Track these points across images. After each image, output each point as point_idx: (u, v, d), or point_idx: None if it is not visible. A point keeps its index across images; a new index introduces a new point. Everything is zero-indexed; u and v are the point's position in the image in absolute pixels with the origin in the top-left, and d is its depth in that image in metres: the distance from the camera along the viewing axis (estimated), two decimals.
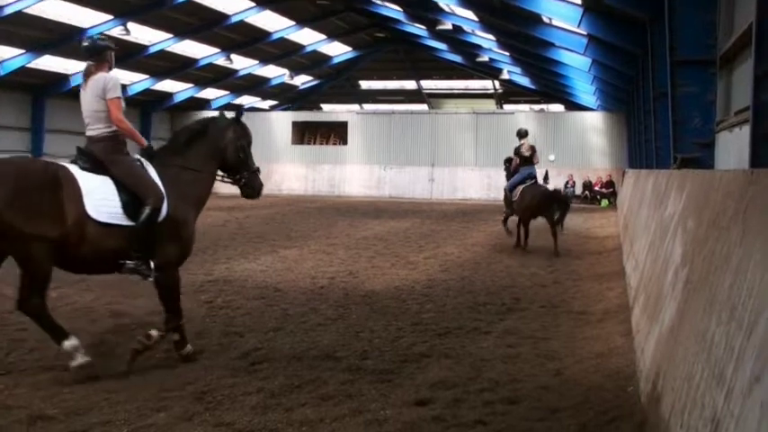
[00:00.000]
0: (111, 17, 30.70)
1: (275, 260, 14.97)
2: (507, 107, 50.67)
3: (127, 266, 6.91)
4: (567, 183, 41.00)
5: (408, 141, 43.80)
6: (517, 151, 17.40)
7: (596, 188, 40.80)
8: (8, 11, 26.93)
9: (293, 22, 37.64)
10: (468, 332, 8.84)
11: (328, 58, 46.70)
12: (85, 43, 7.24)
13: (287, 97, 52.16)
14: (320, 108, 53.69)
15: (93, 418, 5.66)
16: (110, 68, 7.24)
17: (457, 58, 45.08)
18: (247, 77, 44.52)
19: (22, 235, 6.28)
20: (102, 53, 7.20)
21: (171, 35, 34.74)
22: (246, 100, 49.68)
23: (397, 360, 7.49)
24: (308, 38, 41.28)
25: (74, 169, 6.76)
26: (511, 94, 50.65)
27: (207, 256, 15.21)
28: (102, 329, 8.57)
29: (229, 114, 8.02)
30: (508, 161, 18.22)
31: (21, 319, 8.93)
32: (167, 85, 42.07)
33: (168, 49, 35.71)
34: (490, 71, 45.52)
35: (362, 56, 48.27)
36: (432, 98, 53.28)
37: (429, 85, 52.03)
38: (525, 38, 29.29)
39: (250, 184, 8.01)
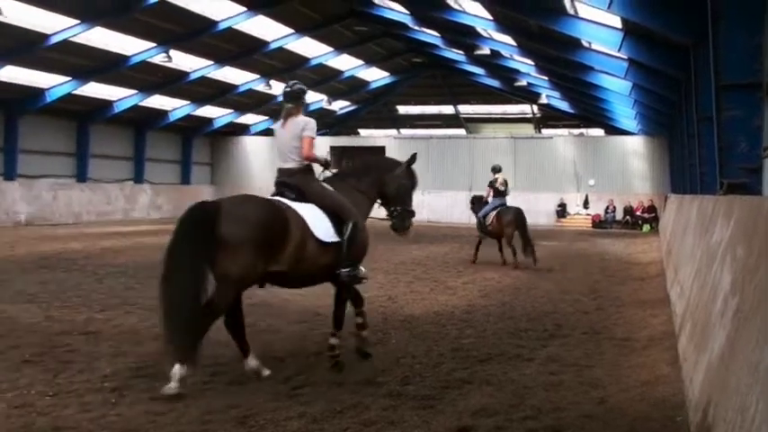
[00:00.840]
0: (153, 44, 31.26)
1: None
2: (546, 131, 50.48)
3: (343, 275, 8.03)
4: (608, 208, 40.66)
5: (447, 166, 43.83)
6: (492, 184, 19.63)
7: (637, 213, 40.39)
8: (55, 39, 27.57)
9: (331, 48, 38.00)
10: (509, 359, 8.79)
11: (366, 83, 47.02)
12: (287, 89, 8.20)
13: (325, 122, 52.53)
14: (358, 133, 53.95)
15: None
16: (305, 109, 8.29)
17: (495, 83, 45.07)
18: None
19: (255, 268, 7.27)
20: (300, 98, 8.17)
21: (211, 62, 35.25)
22: None
23: (438, 386, 7.47)
24: (345, 63, 41.62)
25: (288, 202, 7.80)
26: (549, 118, 50.49)
27: None
28: (148, 352, 8.67)
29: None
30: (477, 200, 20.66)
31: (68, 341, 9.11)
32: (208, 111, 42.63)
33: (209, 75, 36.23)
34: (528, 95, 45.43)
35: (400, 81, 48.51)
36: (469, 123, 53.29)
37: (467, 109, 52.05)
38: (564, 62, 29.24)
39: (401, 218, 8.98)
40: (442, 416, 6.49)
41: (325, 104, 46.69)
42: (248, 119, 46.48)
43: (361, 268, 8.35)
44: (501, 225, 19.06)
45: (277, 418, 6.31)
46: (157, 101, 38.03)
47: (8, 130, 32.53)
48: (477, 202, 20.49)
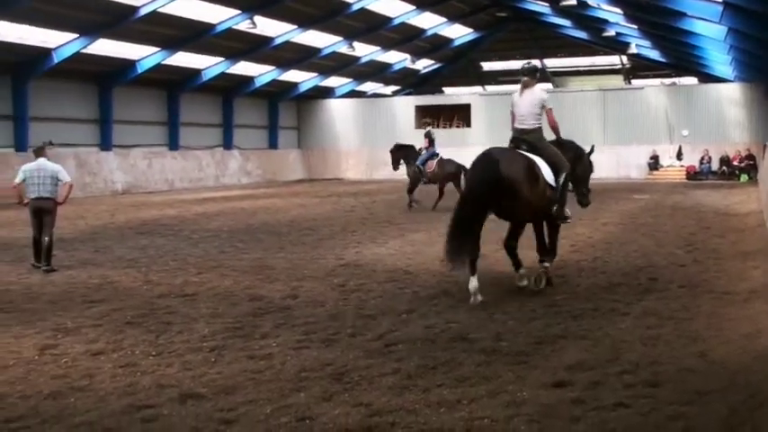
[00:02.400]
0: (238, 12, 31.58)
1: (404, 244, 15.07)
2: (636, 82, 48.97)
3: (555, 212, 9.92)
4: (703, 158, 39.29)
5: None
6: (429, 134, 23.20)
7: (734, 163, 38.90)
8: (144, 11, 28.16)
9: (413, 7, 37.64)
10: (603, 313, 8.64)
11: (449, 40, 46.44)
12: (524, 66, 10.19)
13: (409, 82, 52.28)
14: (442, 91, 53.48)
15: (238, 396, 5.89)
16: (536, 82, 10.19)
17: (582, 34, 43.87)
18: (370, 64, 44.87)
19: (528, 201, 9.35)
20: (534, 73, 10.17)
21: (295, 26, 35.40)
22: (369, 86, 50.12)
23: (532, 342, 7.41)
24: (428, 21, 41.17)
25: (527, 154, 9.70)
26: (639, 68, 48.94)
27: (337, 241, 15.50)
28: (243, 312, 8.89)
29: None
30: (402, 147, 23.95)
31: (167, 303, 9.42)
32: (293, 75, 42.93)
33: (293, 39, 36.41)
34: (617, 46, 44.07)
35: (484, 37, 47.74)
36: (556, 76, 52.12)
37: (553, 63, 50.90)
38: (654, 9, 28.17)
39: (585, 196, 11.13)
40: (536, 371, 6.45)
41: (408, 64, 46.39)
42: (333, 81, 46.61)
43: (567, 210, 10.19)
44: (443, 172, 22.07)
45: (371, 375, 6.39)
46: (243, 67, 38.48)
47: (102, 102, 33.48)
48: (401, 149, 23.69)
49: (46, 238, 12.36)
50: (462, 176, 20.91)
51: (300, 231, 17.27)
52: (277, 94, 44.31)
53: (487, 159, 9.32)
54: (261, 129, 44.66)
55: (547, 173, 9.65)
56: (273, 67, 40.23)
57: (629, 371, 6.40)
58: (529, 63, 10.41)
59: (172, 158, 37.17)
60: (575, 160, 10.53)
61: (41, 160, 12.62)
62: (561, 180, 9.86)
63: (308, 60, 40.36)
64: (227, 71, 37.25)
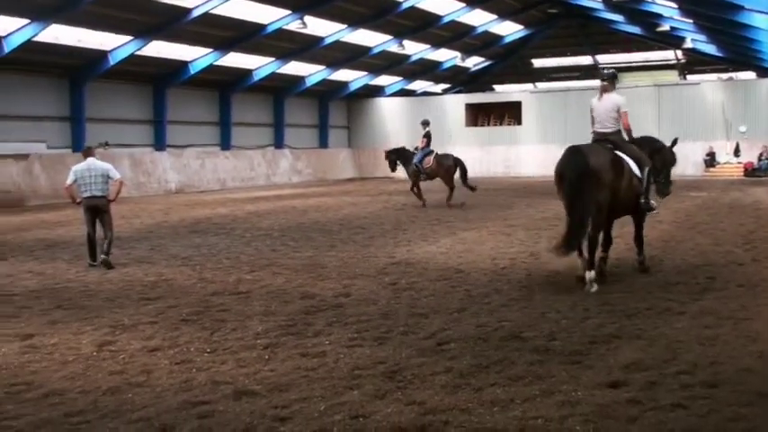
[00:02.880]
0: (289, 12, 31.81)
1: (455, 242, 15.03)
2: (692, 77, 48.06)
3: (643, 204, 10.66)
4: (762, 155, 38.33)
5: (585, 118, 42.43)
6: (427, 135, 23.71)
7: None
8: (196, 13, 28.54)
9: (463, 4, 37.48)
10: (659, 313, 8.51)
11: (500, 37, 46.14)
12: (604, 71, 10.92)
13: (459, 80, 52.10)
14: (492, 89, 53.19)
15: (292, 394, 5.94)
16: (614, 87, 10.84)
17: (635, 29, 43.21)
18: (420, 62, 44.81)
19: (615, 190, 9.99)
20: (613, 79, 10.81)
21: (345, 25, 35.53)
22: (419, 85, 50.06)
23: (586, 341, 7.33)
24: (478, 19, 40.95)
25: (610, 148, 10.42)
26: (695, 63, 48.02)
27: (388, 239, 15.52)
28: (296, 310, 8.95)
29: None
30: (396, 151, 24.70)
31: (221, 301, 9.53)
32: (343, 75, 43.10)
33: (343, 39, 36.56)
34: (672, 40, 43.31)
35: (534, 33, 47.32)
36: None
37: (606, 59, 50.22)
38: (711, 3, 27.62)
39: (666, 184, 11.71)
40: (591, 371, 6.38)
41: (458, 62, 46.24)
42: (383, 80, 46.67)
43: (652, 201, 10.84)
44: (441, 167, 23.20)
45: (424, 373, 6.38)
46: (294, 67, 38.76)
47: (156, 103, 34.04)
48: (397, 152, 24.49)
49: (106, 240, 12.70)
50: (458, 169, 23.19)
51: (351, 230, 17.33)
52: (327, 93, 44.54)
53: (576, 154, 9.96)
54: (311, 128, 44.94)
55: (633, 166, 10.37)
56: (324, 67, 40.45)
57: (687, 371, 6.29)
58: (608, 69, 11.18)
59: (224, 158, 37.62)
60: (653, 154, 11.19)
61: (91, 160, 12.93)
62: (645, 173, 10.55)
63: (357, 59, 40.50)
64: (278, 71, 37.58)
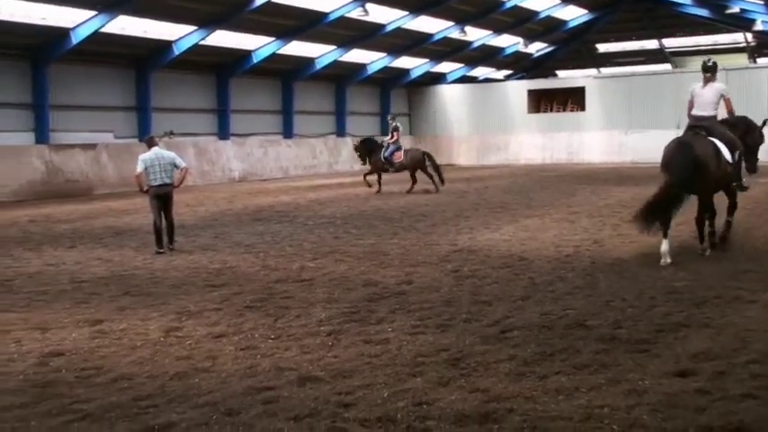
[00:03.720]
0: (350, 0, 31.88)
1: (517, 229, 14.90)
2: (762, 61, 46.64)
3: (734, 186, 11.54)
4: None
5: (651, 104, 41.57)
6: (396, 128, 24.81)
7: None
8: (259, 2, 28.76)
9: None
10: (728, 301, 8.30)
11: (563, 22, 45.42)
12: (709, 64, 11.85)
13: (521, 66, 51.52)
14: (555, 75, 52.43)
15: (356, 380, 5.96)
16: (716, 77, 11.82)
17: (703, 12, 42.09)
18: (481, 48, 44.40)
19: (715, 177, 10.87)
20: (714, 70, 11.80)
21: (406, 12, 35.40)
22: (481, 71, 49.64)
23: (653, 330, 7.19)
24: (541, 3, 40.36)
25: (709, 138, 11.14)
26: (766, 46, 46.59)
27: (450, 227, 15.47)
28: (358, 297, 8.99)
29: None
30: (368, 141, 25.55)
31: (284, 288, 9.63)
32: (404, 62, 42.94)
33: (404, 26, 36.43)
34: (741, 23, 42.04)
35: (599, 17, 46.42)
36: (675, 57, 50.23)
37: (672, 42, 49.06)
38: None
39: (754, 164, 12.33)
40: (658, 360, 6.26)
41: (520, 47, 45.70)
42: (444, 67, 46.40)
43: (744, 180, 11.71)
44: (412, 161, 24.33)
45: (487, 361, 6.35)
46: (355, 55, 38.78)
47: (220, 92, 34.46)
48: (367, 143, 25.20)
49: (169, 221, 13.26)
50: (427, 161, 24.40)
51: (413, 217, 17.32)
52: (388, 80, 44.49)
53: (684, 145, 10.88)
54: (373, 116, 44.97)
55: (725, 153, 11.02)
56: (385, 54, 40.40)
57: (757, 360, 6.13)
58: (710, 61, 11.96)
59: (286, 146, 37.93)
60: (745, 134, 12.01)
61: (156, 149, 13.28)
62: (736, 157, 11.32)
63: (419, 46, 40.32)
64: (340, 59, 37.65)
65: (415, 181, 24.54)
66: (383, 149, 24.54)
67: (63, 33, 26.04)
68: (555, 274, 10.23)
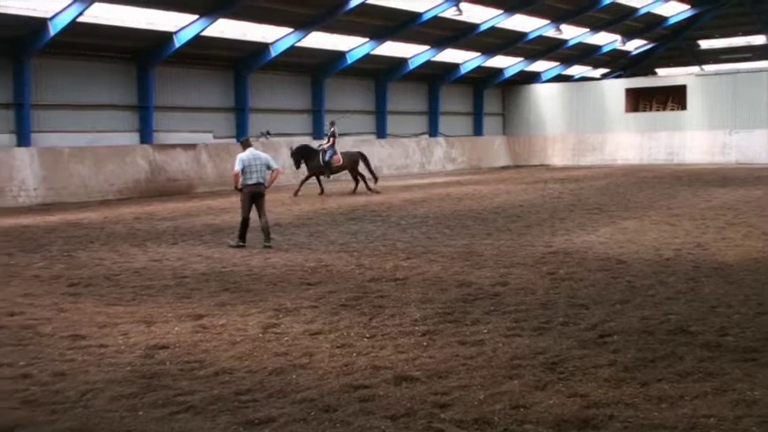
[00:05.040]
0: (444, 0, 31.91)
1: (615, 231, 14.59)
2: None
3: None
4: None
5: (757, 102, 40.05)
6: (334, 134, 25.47)
7: None
8: (353, 3, 29.02)
9: None
10: None
11: (663, 19, 44.17)
12: None
13: (619, 64, 50.40)
14: (655, 73, 51.05)
15: (451, 381, 5.95)
16: None
17: None
18: (577, 47, 43.63)
19: None
20: None
21: (501, 11, 35.11)
22: (577, 70, 48.80)
23: (762, 337, 6.93)
24: (640, 0, 39.42)
25: None
26: None
27: (545, 228, 15.26)
28: (452, 298, 8.96)
29: None
30: (303, 149, 25.69)
31: (378, 287, 9.68)
32: (498, 61, 42.59)
33: (498, 25, 36.15)
34: None
35: (702, 13, 44.99)
36: None
37: None
38: None
39: None
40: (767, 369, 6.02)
41: (618, 45, 44.71)
42: (539, 66, 45.82)
43: None
44: (349, 162, 25.39)
45: (586, 366, 6.23)
46: (449, 55, 38.68)
47: (315, 92, 34.95)
48: (303, 150, 25.54)
49: (264, 220, 13.64)
50: (362, 161, 25.54)
51: (507, 218, 17.17)
52: (482, 80, 44.23)
53: None
54: (466, 115, 44.79)
55: None
56: (479, 54, 40.17)
57: None
58: None
59: (379, 146, 38.12)
60: None
61: (252, 149, 13.71)
62: None
63: (513, 45, 39.94)
64: (433, 59, 37.64)
65: (357, 181, 25.74)
66: (321, 154, 25.26)
67: (167, 37, 26.89)
68: (655, 277, 9.96)
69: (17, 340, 7.41)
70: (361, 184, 25.75)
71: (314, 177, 25.39)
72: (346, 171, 25.82)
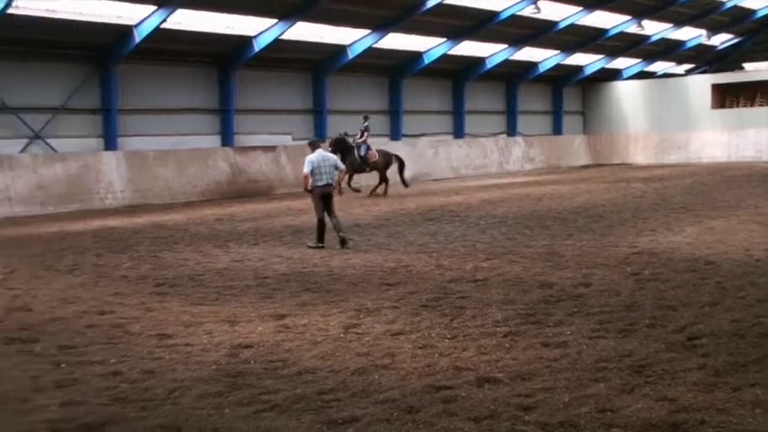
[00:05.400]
0: None
1: (702, 231, 14.20)
2: None
3: None
4: None
5: None
6: (367, 128, 25.41)
7: None
8: (430, 3, 29.04)
9: None
10: None
11: (751, 12, 42.80)
12: None
13: (704, 59, 49.05)
14: (742, 68, 49.50)
15: (535, 383, 5.88)
16: None
17: None
18: (660, 42, 42.64)
19: None
20: None
21: (580, 8, 34.62)
22: (659, 66, 47.68)
23: None
24: None
25: None
26: None
27: (628, 228, 14.96)
28: (534, 299, 8.87)
29: None
30: (342, 141, 24.65)
31: (459, 288, 9.64)
32: (577, 59, 41.95)
33: (578, 22, 35.65)
34: None
35: None
36: None
37: None
38: None
39: None
40: None
41: (703, 40, 43.56)
42: (620, 63, 44.95)
43: None
44: (384, 161, 25.23)
45: (674, 369, 6.08)
46: (527, 53, 38.30)
47: (392, 93, 35.06)
48: (339, 143, 24.36)
49: (336, 219, 13.88)
50: (396, 165, 25.64)
51: (588, 218, 16.89)
52: (561, 78, 43.63)
53: None
54: (545, 114, 44.27)
55: None
56: (557, 52, 39.66)
57: None
58: None
59: (457, 146, 38.01)
60: None
61: (320, 151, 13.86)
62: None
63: (593, 42, 39.30)
64: (511, 58, 37.34)
65: (387, 180, 25.47)
66: (356, 149, 24.90)
67: (246, 41, 27.38)
68: (745, 279, 9.66)
69: (107, 338, 7.65)
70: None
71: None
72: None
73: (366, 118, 26.01)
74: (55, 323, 8.35)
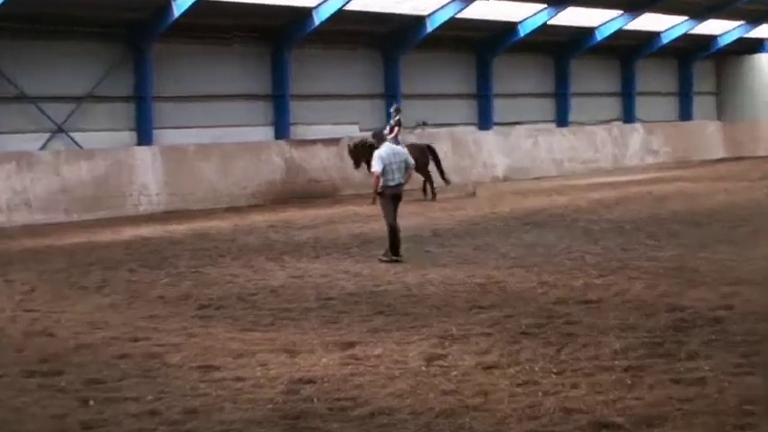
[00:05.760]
0: None
1: None
2: None
3: None
4: None
5: None
6: (399, 122, 25.21)
7: None
8: None
9: None
10: None
11: None
12: None
13: None
14: None
15: (666, 429, 5.80)
16: None
17: None
18: None
19: None
20: None
21: None
22: None
23: None
24: None
25: None
26: None
27: None
28: (661, 325, 8.75)
29: None
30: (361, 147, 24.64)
31: (566, 311, 9.54)
32: (709, 27, 41.11)
33: None
34: None
35: None
36: None
37: None
38: None
39: None
40: None
41: None
42: (764, 31, 43.95)
43: None
44: (420, 156, 24.28)
45: None
46: (645, 21, 37.70)
47: (480, 73, 34.95)
48: (364, 147, 23.90)
49: (398, 225, 13.87)
50: (431, 157, 25.80)
51: (727, 223, 16.65)
52: (689, 51, 42.84)
53: None
54: (669, 96, 43.56)
55: None
56: (685, 18, 38.94)
57: None
58: None
59: (560, 136, 37.67)
60: None
61: (388, 144, 13.85)
62: None
63: (729, 5, 38.45)
64: (626, 27, 36.80)
65: (429, 179, 25.53)
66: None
67: (305, 13, 27.49)
68: None
69: (142, 371, 7.78)
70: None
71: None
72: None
73: (398, 111, 26.06)
74: (81, 352, 8.55)
